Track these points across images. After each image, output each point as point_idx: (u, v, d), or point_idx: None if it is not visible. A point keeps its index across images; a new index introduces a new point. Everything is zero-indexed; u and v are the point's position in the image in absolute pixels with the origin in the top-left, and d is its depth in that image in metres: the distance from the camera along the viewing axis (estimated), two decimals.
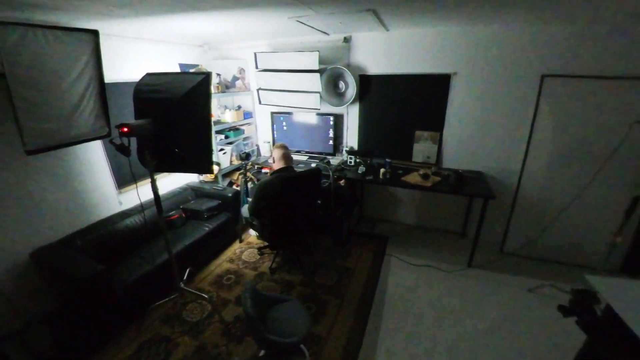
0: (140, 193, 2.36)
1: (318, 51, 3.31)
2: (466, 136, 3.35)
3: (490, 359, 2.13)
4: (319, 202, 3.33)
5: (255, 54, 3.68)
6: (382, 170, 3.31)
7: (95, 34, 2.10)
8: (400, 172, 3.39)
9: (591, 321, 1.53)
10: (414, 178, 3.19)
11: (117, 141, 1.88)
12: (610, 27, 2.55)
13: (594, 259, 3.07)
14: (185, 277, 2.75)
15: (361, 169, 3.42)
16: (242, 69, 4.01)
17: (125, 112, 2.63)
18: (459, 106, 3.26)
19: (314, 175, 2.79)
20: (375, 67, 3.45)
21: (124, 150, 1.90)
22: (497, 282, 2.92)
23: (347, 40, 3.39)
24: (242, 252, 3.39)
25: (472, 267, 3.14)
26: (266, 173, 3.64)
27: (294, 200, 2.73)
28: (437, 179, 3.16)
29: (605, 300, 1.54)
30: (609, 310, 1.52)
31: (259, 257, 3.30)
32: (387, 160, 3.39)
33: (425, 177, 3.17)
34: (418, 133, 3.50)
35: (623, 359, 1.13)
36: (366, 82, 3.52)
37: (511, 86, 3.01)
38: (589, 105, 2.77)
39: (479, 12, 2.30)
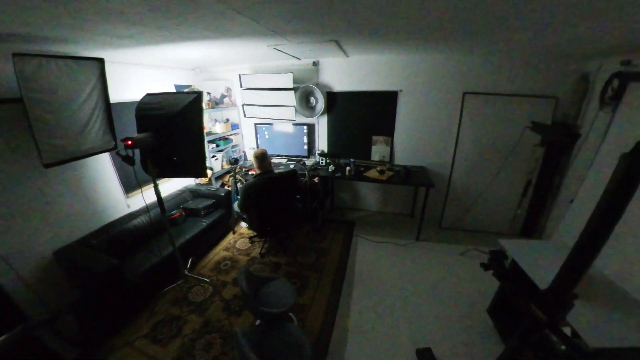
0: (145, 196, 2.29)
1: (292, 73, 3.30)
2: (411, 139, 3.46)
3: (434, 307, 2.29)
4: (298, 196, 3.35)
5: (239, 75, 3.59)
6: (347, 168, 3.35)
7: (101, 61, 1.99)
8: (362, 169, 3.45)
9: (502, 272, 1.70)
10: (372, 173, 3.26)
11: (123, 153, 1.81)
12: (506, 59, 2.81)
13: (503, 227, 3.37)
14: (188, 266, 2.67)
15: (331, 168, 3.45)
16: (229, 88, 3.88)
17: (128, 128, 2.47)
18: (405, 116, 3.37)
19: (291, 175, 2.76)
20: (339, 85, 3.48)
21: (128, 160, 1.82)
22: (437, 250, 3.08)
23: (315, 64, 3.41)
24: (235, 242, 3.32)
25: (419, 241, 3.25)
26: (252, 175, 3.58)
27: (275, 196, 2.71)
28: (391, 173, 3.25)
29: (511, 256, 1.73)
30: (514, 263, 1.72)
31: (250, 244, 3.25)
32: (351, 160, 3.44)
33: (381, 172, 3.25)
34: (375, 137, 3.56)
35: (522, 296, 1.30)
36: (332, 98, 3.54)
37: (442, 100, 3.17)
38: (496, 115, 3.00)
39: (416, 46, 2.43)
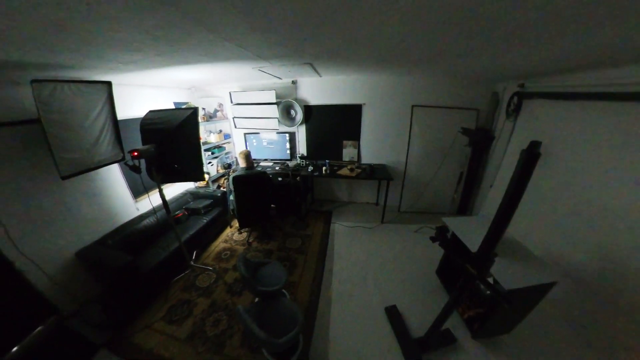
0: (151, 200, 2.21)
1: (275, 90, 3.26)
2: (374, 143, 3.54)
3: (397, 273, 2.41)
4: (283, 193, 3.30)
5: (230, 92, 3.47)
6: (324, 168, 3.37)
7: (109, 84, 1.87)
8: (335, 168, 3.48)
9: (445, 242, 1.84)
10: (344, 171, 3.32)
11: (130, 163, 1.72)
12: (442, 80, 3.00)
13: (445, 208, 3.60)
14: (193, 257, 2.58)
15: (310, 168, 3.46)
16: (221, 103, 3.73)
17: (134, 141, 2.31)
18: (368, 124, 3.44)
19: (262, 174, 2.70)
20: (314, 100, 3.47)
21: (135, 169, 1.72)
22: (398, 229, 3.20)
23: (294, 82, 3.38)
24: (232, 235, 3.21)
25: (384, 223, 3.34)
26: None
27: (251, 191, 2.69)
28: (359, 170, 3.33)
29: (451, 230, 1.89)
30: (453, 235, 1.87)
31: (245, 236, 3.17)
32: (327, 161, 3.47)
33: (351, 170, 3.32)
34: (345, 142, 3.59)
35: (460, 259, 1.43)
36: (309, 110, 3.52)
37: (396, 111, 3.28)
38: (437, 122, 3.18)
39: (375, 69, 2.50)
